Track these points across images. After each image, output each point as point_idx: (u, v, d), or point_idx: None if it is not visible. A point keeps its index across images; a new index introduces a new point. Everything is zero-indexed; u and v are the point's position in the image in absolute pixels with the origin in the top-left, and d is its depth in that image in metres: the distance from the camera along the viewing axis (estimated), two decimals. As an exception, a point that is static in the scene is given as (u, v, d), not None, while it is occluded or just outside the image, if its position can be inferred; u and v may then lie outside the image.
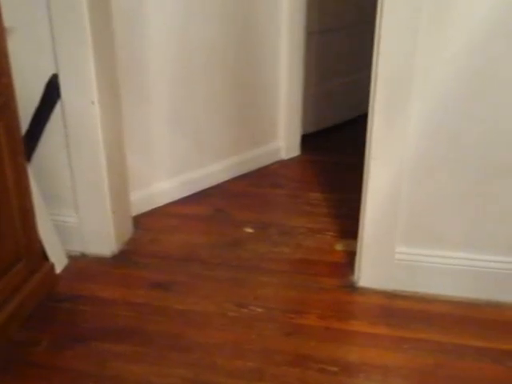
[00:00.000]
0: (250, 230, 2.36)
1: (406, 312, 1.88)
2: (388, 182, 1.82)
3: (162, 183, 2.53)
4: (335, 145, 3.20)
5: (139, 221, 2.40)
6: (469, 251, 1.88)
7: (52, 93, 1.95)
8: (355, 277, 2.02)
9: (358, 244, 1.97)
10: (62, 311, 1.90)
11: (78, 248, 2.17)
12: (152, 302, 1.93)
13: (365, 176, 1.87)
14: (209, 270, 2.11)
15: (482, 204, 1.81)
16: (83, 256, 2.17)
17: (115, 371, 1.64)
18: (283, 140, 3.00)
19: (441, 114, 1.73)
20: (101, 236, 2.15)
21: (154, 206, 2.51)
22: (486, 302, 1.90)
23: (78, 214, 2.14)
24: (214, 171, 2.71)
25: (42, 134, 2.03)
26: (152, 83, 2.35)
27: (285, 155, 3.03)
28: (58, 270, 2.06)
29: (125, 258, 2.18)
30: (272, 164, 2.97)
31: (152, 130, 2.41)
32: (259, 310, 1.89)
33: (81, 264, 2.14)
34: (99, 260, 2.15)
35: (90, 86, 1.92)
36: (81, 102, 1.95)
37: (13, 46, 1.72)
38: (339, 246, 2.23)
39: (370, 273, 1.96)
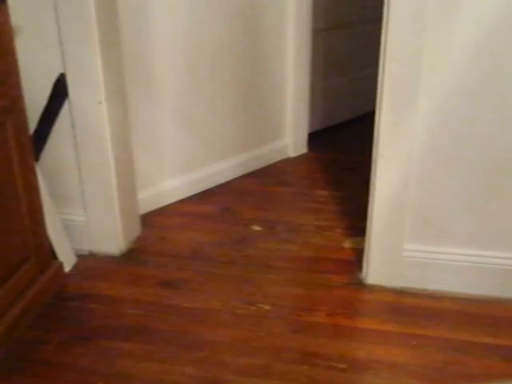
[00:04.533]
0: (257, 228, 2.36)
1: (414, 309, 1.87)
2: (395, 179, 1.82)
3: (169, 182, 2.54)
4: (342, 142, 3.20)
5: (147, 219, 2.40)
6: (477, 248, 1.88)
7: (60, 92, 1.96)
8: (363, 274, 2.01)
9: (366, 241, 1.97)
10: (70, 310, 1.91)
11: (86, 247, 2.18)
12: (160, 300, 1.94)
13: (372, 173, 1.86)
14: (217, 268, 2.11)
15: (490, 200, 1.81)
16: (92, 255, 2.18)
17: (124, 369, 1.65)
18: (290, 138, 3.00)
19: (448, 111, 1.72)
20: (109, 235, 2.16)
21: (161, 205, 2.52)
22: (495, 298, 1.89)
23: (86, 213, 2.14)
24: (221, 169, 2.71)
25: (50, 133, 2.03)
26: (159, 82, 2.35)
27: (292, 153, 3.03)
28: (67, 268, 2.07)
29: (133, 256, 2.19)
30: (279, 162, 2.97)
31: (159, 129, 2.42)
32: (267, 307, 1.90)
33: (89, 263, 2.14)
34: (107, 258, 2.16)
35: (98, 85, 1.93)
36: (88, 102, 1.96)
37: (20, 45, 1.73)
38: (347, 244, 2.23)
39: (378, 270, 1.96)
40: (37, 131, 2.02)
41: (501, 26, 1.60)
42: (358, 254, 2.10)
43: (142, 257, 2.18)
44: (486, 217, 1.84)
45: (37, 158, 1.99)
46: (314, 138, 3.13)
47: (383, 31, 1.68)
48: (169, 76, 2.38)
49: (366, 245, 1.97)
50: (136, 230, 2.31)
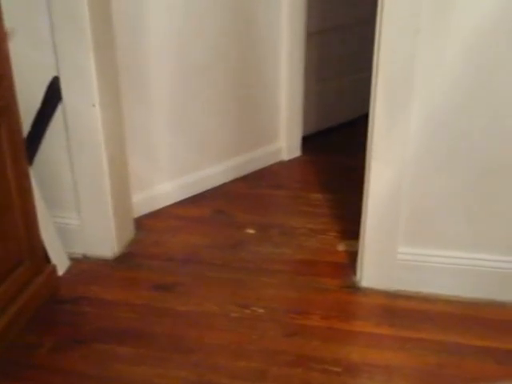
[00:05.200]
0: (251, 231, 2.36)
1: (408, 312, 1.88)
2: (389, 182, 1.82)
3: (163, 185, 2.53)
4: (336, 145, 3.20)
5: (141, 223, 2.40)
6: (470, 251, 1.88)
7: (53, 95, 1.96)
8: (357, 277, 2.02)
9: (360, 244, 1.97)
10: (64, 313, 1.91)
11: (80, 250, 2.17)
12: (154, 304, 1.93)
13: (366, 176, 1.87)
14: (211, 271, 2.11)
15: (484, 203, 1.82)
16: (85, 258, 2.18)
17: (118, 373, 1.65)
18: (284, 141, 3.00)
19: (442, 114, 1.73)
20: (103, 238, 2.16)
21: (155, 208, 2.51)
22: (488, 301, 1.90)
23: (80, 217, 2.14)
24: (215, 173, 2.71)
25: (43, 136, 2.03)
26: (152, 85, 2.35)
27: (286, 156, 3.03)
28: (61, 272, 2.07)
29: (127, 259, 2.18)
30: (273, 165, 2.97)
31: (153, 132, 2.42)
32: (261, 310, 1.90)
33: (83, 266, 2.14)
34: (101, 262, 2.16)
35: (91, 88, 1.92)
36: (82, 105, 1.95)
37: (14, 48, 1.72)
38: (341, 247, 2.23)
39: (372, 273, 1.97)
40: (30, 134, 2.01)
41: (496, 28, 1.60)
42: (352, 257, 2.10)
43: (136, 260, 2.18)
44: (479, 220, 1.84)
45: (30, 162, 1.98)
46: (307, 141, 3.13)
47: (377, 34, 1.68)
48: (163, 79, 2.38)
49: (360, 248, 1.98)
50: (130, 233, 2.31)
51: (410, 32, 1.63)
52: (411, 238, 1.91)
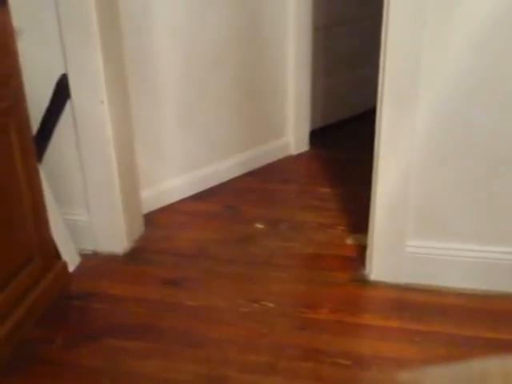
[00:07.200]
0: (260, 226, 2.37)
1: (417, 305, 1.88)
2: (397, 176, 1.82)
3: (172, 180, 2.54)
4: (344, 139, 3.20)
5: (150, 218, 2.41)
6: (480, 243, 1.88)
7: (62, 93, 1.97)
8: (366, 270, 2.02)
9: (369, 238, 1.97)
10: (75, 309, 1.92)
11: (89, 246, 2.19)
12: (164, 299, 1.94)
13: (374, 170, 1.87)
14: (220, 266, 2.11)
15: (492, 195, 1.81)
16: (95, 254, 2.19)
17: (128, 368, 1.66)
18: (292, 136, 3.00)
19: (449, 108, 1.72)
20: (112, 234, 2.17)
21: (164, 204, 2.52)
22: (498, 293, 1.89)
23: (90, 213, 2.15)
24: (223, 168, 2.72)
25: (52, 134, 2.04)
26: (160, 81, 2.36)
27: (294, 151, 3.03)
28: (71, 268, 2.08)
29: (136, 255, 2.19)
30: (281, 160, 2.97)
31: (161, 128, 2.43)
32: (271, 305, 1.90)
33: (93, 262, 2.15)
34: (111, 258, 2.17)
35: (99, 85, 1.93)
36: (90, 102, 1.96)
37: (22, 46, 1.73)
38: (350, 240, 2.23)
39: (381, 266, 1.97)
40: (39, 132, 2.02)
41: (503, 20, 1.60)
42: (361, 250, 2.10)
43: (146, 256, 2.19)
44: (488, 212, 1.84)
45: (40, 159, 1.99)
46: (315, 135, 3.13)
47: (383, 28, 1.68)
48: (171, 75, 2.39)
49: (369, 241, 1.98)
50: (139, 228, 2.32)
51: (416, 25, 1.63)
52: (420, 231, 1.90)
